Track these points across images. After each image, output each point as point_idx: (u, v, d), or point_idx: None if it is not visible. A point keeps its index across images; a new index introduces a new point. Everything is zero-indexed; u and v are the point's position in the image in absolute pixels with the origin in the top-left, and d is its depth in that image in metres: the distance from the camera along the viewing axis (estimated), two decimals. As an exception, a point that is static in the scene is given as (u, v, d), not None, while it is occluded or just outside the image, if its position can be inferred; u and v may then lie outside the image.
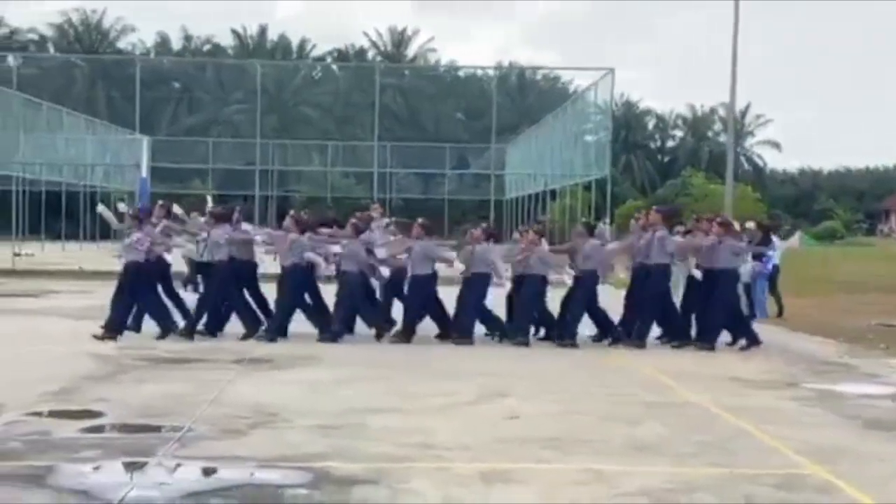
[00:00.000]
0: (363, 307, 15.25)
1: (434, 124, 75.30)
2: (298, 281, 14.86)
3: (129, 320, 14.78)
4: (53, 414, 9.26)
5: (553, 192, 42.87)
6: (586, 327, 15.32)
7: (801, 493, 7.16)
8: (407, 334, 15.00)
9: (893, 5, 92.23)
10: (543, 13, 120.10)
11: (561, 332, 15.01)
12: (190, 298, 16.12)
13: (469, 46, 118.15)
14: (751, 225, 19.62)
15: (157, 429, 8.74)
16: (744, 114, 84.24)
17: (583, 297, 14.99)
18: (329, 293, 15.26)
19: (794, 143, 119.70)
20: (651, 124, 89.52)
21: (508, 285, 15.48)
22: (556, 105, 48.03)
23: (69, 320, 16.57)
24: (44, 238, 41.47)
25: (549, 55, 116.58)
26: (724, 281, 14.99)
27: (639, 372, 12.73)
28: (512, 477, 7.34)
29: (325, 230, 15.68)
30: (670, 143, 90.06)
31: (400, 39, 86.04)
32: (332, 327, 14.84)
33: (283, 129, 65.10)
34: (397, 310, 15.57)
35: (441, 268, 15.53)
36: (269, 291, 15.38)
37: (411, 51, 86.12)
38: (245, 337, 14.64)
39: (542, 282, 15.17)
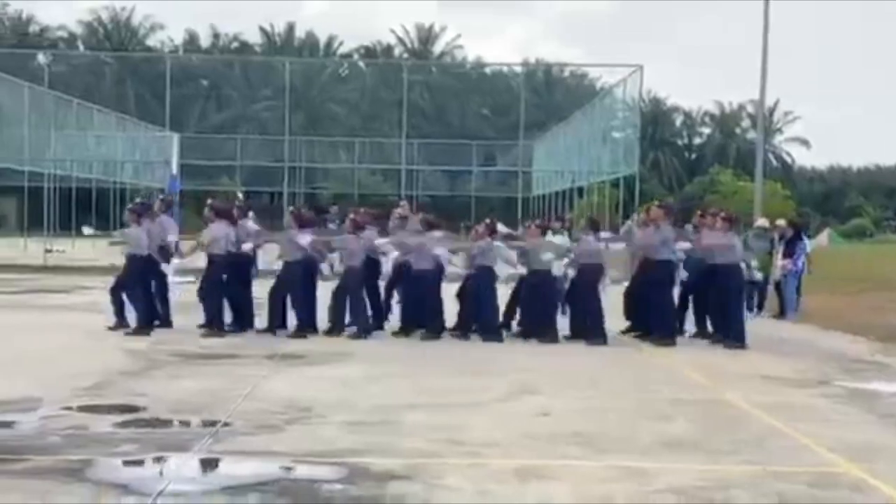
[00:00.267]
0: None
1: (460, 121, 75.31)
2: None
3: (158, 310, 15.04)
4: (89, 408, 9.35)
5: (580, 190, 42.79)
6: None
7: (835, 492, 7.15)
8: (407, 330, 15.11)
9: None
10: (569, 9, 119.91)
11: (588, 332, 14.95)
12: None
13: (495, 43, 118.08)
14: (781, 222, 19.62)
15: (193, 424, 8.83)
16: (772, 110, 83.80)
17: (592, 292, 14.98)
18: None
19: (822, 140, 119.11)
20: (678, 121, 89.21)
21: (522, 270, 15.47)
22: (583, 102, 47.95)
23: (101, 316, 16.68)
24: (74, 234, 41.75)
25: (575, 52, 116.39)
26: (723, 276, 14.93)
27: (669, 369, 12.73)
28: (545, 473, 7.37)
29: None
30: (697, 140, 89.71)
31: (427, 37, 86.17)
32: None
33: (311, 127, 65.23)
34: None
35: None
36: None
37: (438, 48, 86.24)
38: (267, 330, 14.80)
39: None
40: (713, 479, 7.32)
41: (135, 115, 56.75)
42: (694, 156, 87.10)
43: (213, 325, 14.70)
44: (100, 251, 28.26)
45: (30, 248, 34.72)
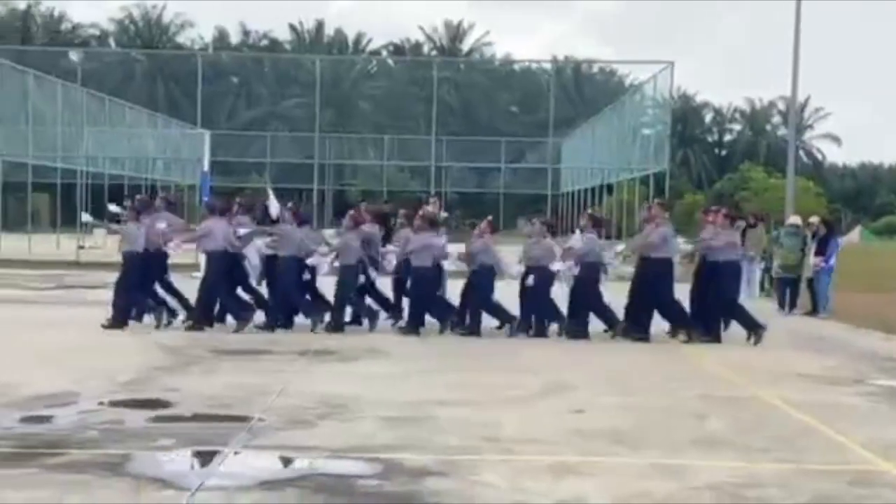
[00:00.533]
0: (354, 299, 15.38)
1: (488, 118, 75.31)
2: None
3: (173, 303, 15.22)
4: (126, 403, 9.44)
5: (609, 187, 42.71)
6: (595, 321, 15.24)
7: (872, 490, 7.12)
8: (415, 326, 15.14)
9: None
10: (598, 6, 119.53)
11: (572, 328, 14.99)
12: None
13: (524, 40, 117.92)
14: (814, 220, 19.53)
15: (229, 419, 8.89)
16: (803, 107, 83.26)
17: (593, 290, 14.96)
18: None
19: (853, 137, 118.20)
20: (708, 118, 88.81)
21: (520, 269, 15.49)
22: (612, 99, 47.83)
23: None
24: (107, 230, 42.10)
25: (604, 49, 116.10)
26: (726, 273, 14.89)
27: (703, 367, 12.71)
28: (579, 470, 7.38)
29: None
30: (728, 137, 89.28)
31: (455, 34, 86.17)
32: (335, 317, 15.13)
33: (339, 124, 65.46)
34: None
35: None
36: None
37: (466, 45, 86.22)
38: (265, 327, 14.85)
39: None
40: (748, 477, 7.31)
41: (165, 113, 57.10)
42: (724, 153, 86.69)
43: (201, 319, 14.82)
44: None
45: (63, 245, 34.98)
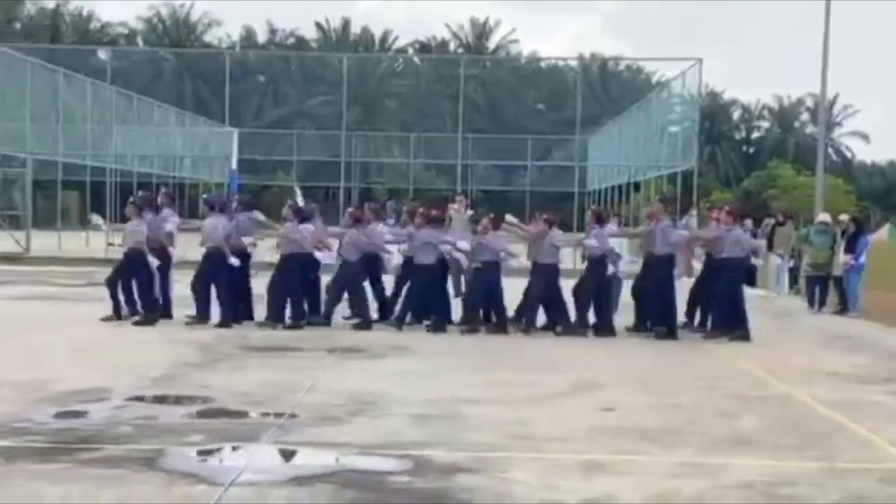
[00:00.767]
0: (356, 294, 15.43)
1: (514, 116, 75.18)
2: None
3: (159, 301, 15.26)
4: (159, 399, 9.53)
5: (637, 185, 42.58)
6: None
7: (905, 488, 7.10)
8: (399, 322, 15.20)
9: None
10: (623, 3, 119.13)
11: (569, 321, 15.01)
12: None
13: (549, 37, 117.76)
14: (844, 217, 19.42)
15: (259, 415, 8.96)
16: (832, 104, 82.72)
17: (593, 285, 14.97)
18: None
19: (882, 135, 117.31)
20: (736, 115, 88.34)
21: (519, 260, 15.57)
22: (639, 96, 47.65)
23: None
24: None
25: (630, 46, 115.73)
26: (729, 269, 14.83)
27: (733, 365, 12.67)
28: (610, 468, 7.39)
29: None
30: (755, 135, 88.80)
31: (481, 31, 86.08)
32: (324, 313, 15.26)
33: (365, 122, 65.56)
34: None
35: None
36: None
37: (493, 42, 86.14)
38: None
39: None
40: (780, 475, 7.30)
41: (192, 111, 57.36)
42: (752, 150, 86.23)
43: (201, 316, 14.94)
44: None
45: (92, 242, 35.21)
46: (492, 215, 15.89)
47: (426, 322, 15.24)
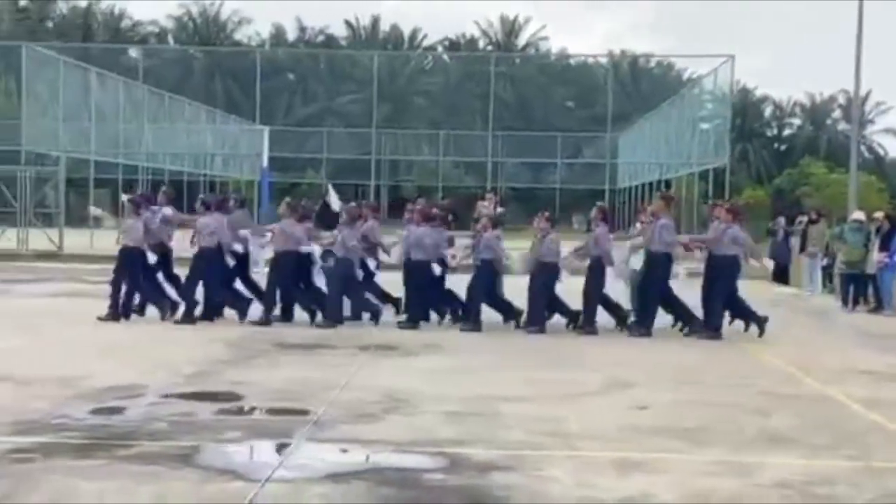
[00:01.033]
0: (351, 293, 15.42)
1: (543, 113, 75.01)
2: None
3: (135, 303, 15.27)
4: (193, 396, 9.56)
5: (668, 182, 42.43)
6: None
7: (945, 489, 7.04)
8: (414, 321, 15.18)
9: None
10: (654, 1, 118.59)
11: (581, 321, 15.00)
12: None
13: (579, 34, 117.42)
14: (879, 215, 19.28)
15: (294, 412, 8.98)
16: (864, 101, 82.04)
17: (595, 284, 14.91)
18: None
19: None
20: (767, 112, 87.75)
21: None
22: (670, 93, 47.48)
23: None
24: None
25: (660, 43, 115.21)
26: (724, 267, 14.74)
27: (767, 363, 12.61)
28: (645, 466, 7.36)
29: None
30: (787, 132, 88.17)
31: (511, 28, 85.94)
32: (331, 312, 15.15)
33: (395, 119, 65.59)
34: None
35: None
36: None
37: (522, 40, 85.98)
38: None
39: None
40: (816, 475, 7.25)
41: (223, 109, 57.61)
42: (783, 147, 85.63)
43: (190, 314, 14.97)
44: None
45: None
46: (491, 214, 15.88)
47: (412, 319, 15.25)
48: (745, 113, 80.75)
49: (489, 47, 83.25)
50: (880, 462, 7.68)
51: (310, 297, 15.39)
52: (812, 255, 22.91)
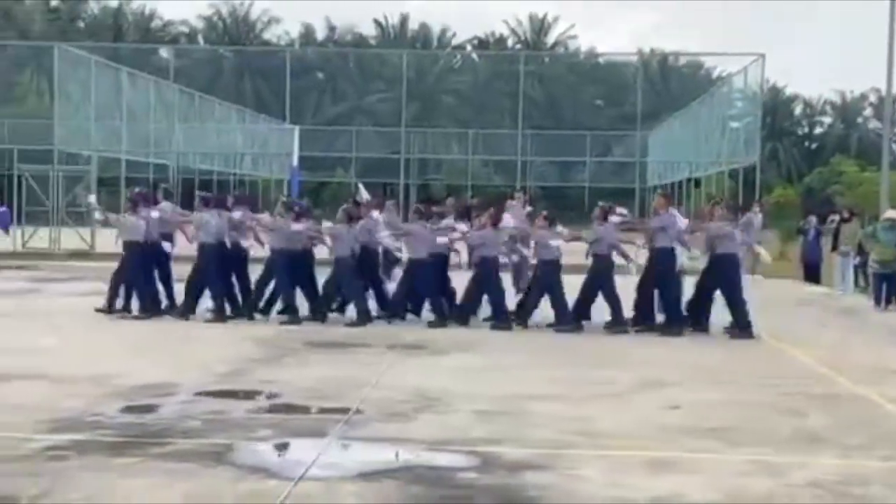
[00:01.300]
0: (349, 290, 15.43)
1: (572, 112, 74.86)
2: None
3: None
4: (226, 394, 9.63)
5: (697, 181, 42.23)
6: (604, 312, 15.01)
7: (981, 489, 6.98)
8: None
9: None
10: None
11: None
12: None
13: (607, 32, 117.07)
14: (912, 214, 19.13)
15: (325, 410, 9.02)
16: (895, 99, 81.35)
17: (594, 280, 14.86)
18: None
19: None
20: (798, 110, 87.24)
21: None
22: (699, 92, 47.23)
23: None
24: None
25: (687, 40, 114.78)
26: (722, 265, 14.66)
27: (799, 362, 12.53)
28: (677, 466, 7.35)
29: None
30: (818, 130, 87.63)
31: (540, 27, 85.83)
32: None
33: (423, 118, 65.62)
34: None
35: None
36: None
37: (551, 38, 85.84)
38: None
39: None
40: (850, 475, 7.22)
41: (252, 108, 57.82)
42: (814, 146, 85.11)
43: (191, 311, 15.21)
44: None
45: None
46: (491, 210, 15.91)
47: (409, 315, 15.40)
48: (776, 111, 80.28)
49: (518, 46, 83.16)
50: (915, 463, 7.63)
51: (308, 295, 15.46)
52: (844, 254, 22.74)
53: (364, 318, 14.95)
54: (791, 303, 20.43)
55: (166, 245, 15.59)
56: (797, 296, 21.96)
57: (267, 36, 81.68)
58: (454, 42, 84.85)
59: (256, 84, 70.93)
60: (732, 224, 15.15)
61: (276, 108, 52.12)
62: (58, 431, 7.92)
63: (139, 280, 15.30)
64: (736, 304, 14.61)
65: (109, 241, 16.39)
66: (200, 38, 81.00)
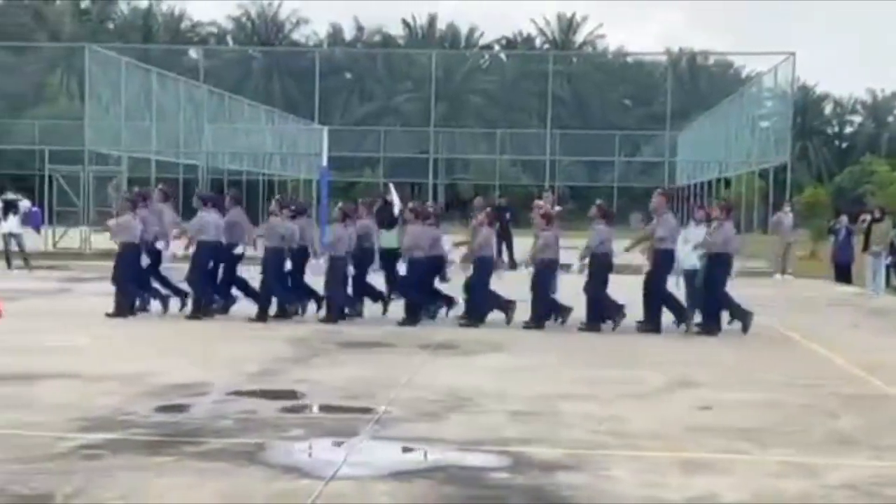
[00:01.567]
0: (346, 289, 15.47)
1: (601, 111, 74.72)
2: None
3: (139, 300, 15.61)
4: (257, 394, 9.66)
5: (727, 180, 42.02)
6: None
7: None
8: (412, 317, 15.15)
9: None
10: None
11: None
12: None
13: (635, 31, 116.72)
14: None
15: (357, 410, 9.03)
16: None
17: (595, 281, 14.81)
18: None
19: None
20: (828, 109, 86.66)
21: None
22: (729, 91, 47.05)
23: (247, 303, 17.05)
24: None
25: (716, 39, 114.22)
26: (718, 264, 14.60)
27: (830, 363, 12.45)
28: (711, 467, 7.31)
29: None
30: (848, 129, 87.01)
31: (568, 26, 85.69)
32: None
33: (451, 118, 65.66)
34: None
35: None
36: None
37: (579, 38, 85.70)
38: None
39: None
40: (886, 476, 7.17)
41: (281, 108, 58.02)
42: (844, 145, 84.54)
43: (200, 307, 15.28)
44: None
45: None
46: (488, 210, 16.01)
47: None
48: (806, 110, 79.78)
49: (546, 46, 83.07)
50: (951, 464, 7.56)
51: (300, 294, 15.56)
52: (876, 253, 22.59)
53: (332, 316, 15.01)
54: (822, 303, 20.31)
55: (160, 244, 15.62)
56: (829, 296, 21.82)
57: (295, 36, 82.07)
58: (482, 42, 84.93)
59: (285, 84, 71.20)
60: (726, 224, 15.01)
61: (304, 109, 52.31)
62: (91, 430, 7.97)
63: (126, 280, 15.40)
64: (713, 301, 14.60)
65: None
66: (229, 39, 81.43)
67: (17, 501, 6.21)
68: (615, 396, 9.86)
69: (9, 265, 24.77)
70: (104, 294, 18.14)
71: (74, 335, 13.42)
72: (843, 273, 25.22)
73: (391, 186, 17.57)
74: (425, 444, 7.77)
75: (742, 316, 14.71)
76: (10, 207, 25.51)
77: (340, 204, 16.20)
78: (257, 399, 9.38)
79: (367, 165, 61.13)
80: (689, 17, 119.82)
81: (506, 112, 72.45)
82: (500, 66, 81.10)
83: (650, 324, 14.68)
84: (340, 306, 15.24)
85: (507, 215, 25.31)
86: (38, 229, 32.10)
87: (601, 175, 59.73)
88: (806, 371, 11.76)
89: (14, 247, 25.15)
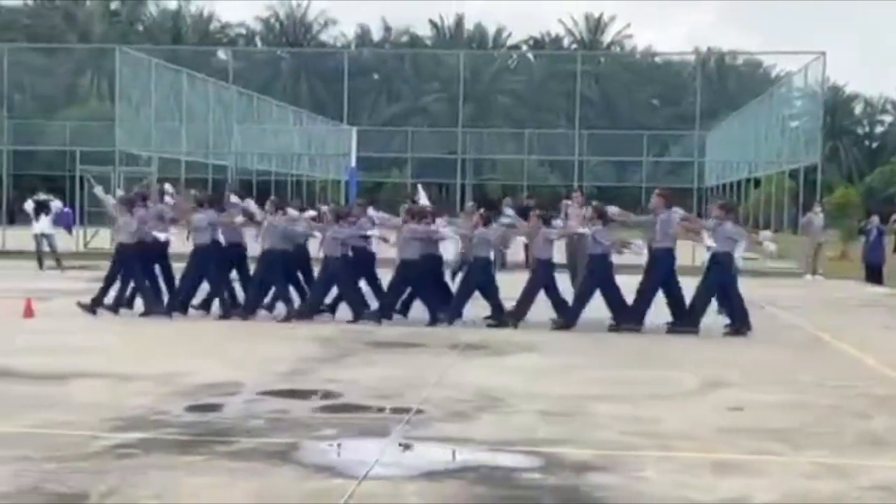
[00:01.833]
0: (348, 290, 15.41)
1: (629, 111, 74.52)
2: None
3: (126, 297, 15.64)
4: (289, 393, 9.69)
5: (757, 180, 41.84)
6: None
7: None
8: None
9: None
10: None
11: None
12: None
13: (664, 30, 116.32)
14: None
15: (387, 410, 9.05)
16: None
17: (592, 282, 14.77)
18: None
19: None
20: (858, 109, 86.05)
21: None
22: (757, 91, 46.84)
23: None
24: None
25: (747, 39, 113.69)
26: (717, 263, 14.51)
27: (861, 363, 12.37)
28: (743, 468, 7.28)
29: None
30: (879, 129, 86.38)
31: (595, 26, 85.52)
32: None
33: (479, 118, 65.66)
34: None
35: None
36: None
37: (607, 37, 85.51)
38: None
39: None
40: (920, 478, 7.12)
41: (309, 109, 58.20)
42: (875, 145, 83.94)
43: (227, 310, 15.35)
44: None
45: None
46: (482, 211, 15.95)
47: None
48: (835, 110, 79.26)
49: (573, 46, 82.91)
50: None
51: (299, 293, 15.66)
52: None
53: (295, 314, 15.06)
54: (853, 304, 20.18)
55: (160, 235, 15.69)
56: (859, 297, 21.68)
57: (323, 37, 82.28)
58: (509, 42, 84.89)
59: (313, 85, 71.41)
60: (726, 223, 14.93)
61: (332, 109, 52.43)
62: (124, 430, 8.02)
63: (113, 279, 15.54)
64: (700, 300, 14.57)
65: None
66: (258, 40, 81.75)
67: (55, 500, 6.27)
68: (646, 396, 9.84)
69: (40, 265, 25.00)
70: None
71: (105, 335, 13.52)
72: (874, 274, 25.06)
73: (420, 188, 17.58)
74: (456, 445, 7.77)
75: (741, 319, 14.65)
76: (42, 208, 25.72)
77: (332, 205, 16.23)
78: (288, 399, 9.41)
79: (395, 166, 61.25)
80: (717, 17, 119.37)
81: (534, 112, 72.39)
82: (528, 66, 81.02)
83: (687, 325, 14.57)
84: (356, 303, 15.23)
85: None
86: (69, 230, 32.31)
87: (629, 175, 59.59)
88: (837, 372, 11.70)
89: (46, 247, 25.38)
